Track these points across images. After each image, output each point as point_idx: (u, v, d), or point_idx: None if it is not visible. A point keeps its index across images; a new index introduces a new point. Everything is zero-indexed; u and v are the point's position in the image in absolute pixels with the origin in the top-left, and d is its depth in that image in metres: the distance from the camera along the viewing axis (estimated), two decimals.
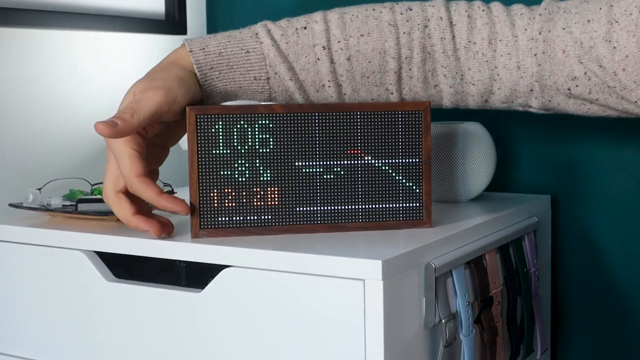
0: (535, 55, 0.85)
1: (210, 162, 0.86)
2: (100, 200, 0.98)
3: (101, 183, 1.03)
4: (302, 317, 0.80)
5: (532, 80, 0.86)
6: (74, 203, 0.99)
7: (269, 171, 0.87)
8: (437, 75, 0.90)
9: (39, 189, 1.01)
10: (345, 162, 0.88)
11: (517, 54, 0.86)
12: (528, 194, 1.21)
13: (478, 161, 1.08)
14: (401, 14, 0.89)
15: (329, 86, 0.89)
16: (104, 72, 1.26)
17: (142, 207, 0.86)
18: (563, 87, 0.85)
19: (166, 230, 0.86)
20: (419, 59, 0.89)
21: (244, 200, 0.87)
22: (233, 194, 0.87)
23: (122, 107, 0.83)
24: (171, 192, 1.04)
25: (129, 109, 0.82)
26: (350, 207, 0.89)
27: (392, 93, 0.91)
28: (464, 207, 1.07)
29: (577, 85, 0.84)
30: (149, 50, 1.33)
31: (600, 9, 0.83)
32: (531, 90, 0.87)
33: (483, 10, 0.89)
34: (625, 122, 1.16)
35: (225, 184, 0.87)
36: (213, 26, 1.44)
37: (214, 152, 0.86)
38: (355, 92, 0.90)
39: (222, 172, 0.87)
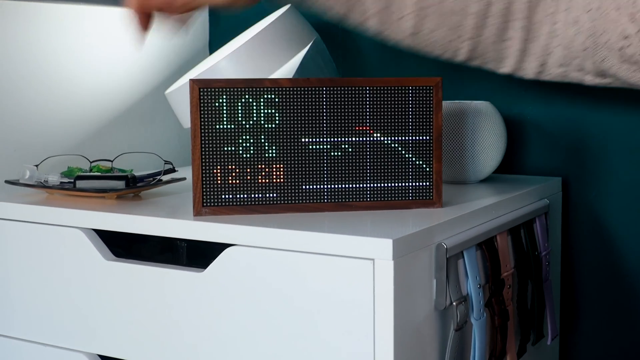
0: (590, 11, 0.81)
1: (214, 138, 0.84)
2: (99, 178, 0.95)
3: (100, 160, 1.01)
4: (308, 298, 0.77)
5: (586, 37, 0.82)
6: (72, 180, 0.96)
7: (274, 147, 0.84)
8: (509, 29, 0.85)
9: (36, 166, 0.99)
10: (354, 139, 0.85)
11: (575, 9, 0.83)
12: (538, 176, 1.18)
13: (488, 141, 1.05)
14: None
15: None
16: (104, 47, 1.23)
17: None
18: (615, 47, 0.81)
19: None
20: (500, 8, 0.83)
21: (249, 177, 0.84)
22: (237, 170, 0.84)
23: None
24: (172, 170, 1.01)
25: None
26: (358, 185, 0.86)
27: (463, 41, 0.83)
28: (473, 188, 1.04)
29: (629, 45, 0.80)
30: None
31: None
32: (585, 50, 0.83)
33: None
34: (638, 103, 1.13)
35: (229, 160, 0.84)
36: None
37: (217, 127, 0.83)
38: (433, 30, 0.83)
39: (225, 148, 0.84)
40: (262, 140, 0.84)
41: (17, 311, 0.96)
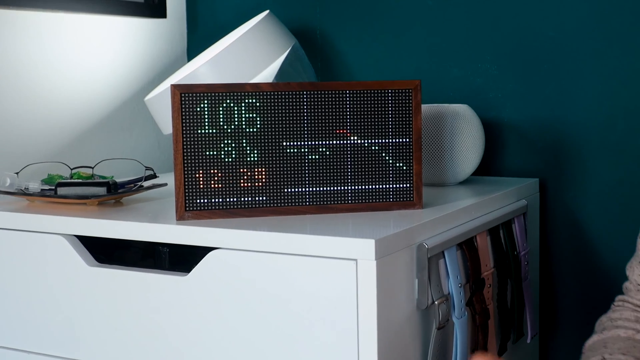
0: None
1: (196, 142, 0.84)
2: (81, 184, 0.95)
3: (81, 167, 1.01)
4: (292, 300, 0.78)
5: None
6: (53, 187, 0.96)
7: (256, 151, 0.85)
8: None
9: (17, 173, 0.98)
10: (335, 142, 0.86)
11: None
12: (516, 177, 1.19)
13: (467, 144, 1.06)
14: None
15: None
16: (83, 54, 1.23)
17: None
18: None
19: None
20: None
21: (231, 181, 0.85)
22: (219, 174, 0.85)
23: None
24: (153, 176, 1.01)
25: None
26: (339, 188, 0.87)
27: None
28: (452, 190, 1.06)
29: None
30: (127, 34, 1.30)
31: None
32: None
33: None
34: (613, 106, 1.15)
35: (211, 164, 0.84)
36: (192, 9, 1.41)
37: (199, 131, 0.84)
38: None
39: (207, 153, 0.84)
40: (244, 145, 0.85)
41: None
